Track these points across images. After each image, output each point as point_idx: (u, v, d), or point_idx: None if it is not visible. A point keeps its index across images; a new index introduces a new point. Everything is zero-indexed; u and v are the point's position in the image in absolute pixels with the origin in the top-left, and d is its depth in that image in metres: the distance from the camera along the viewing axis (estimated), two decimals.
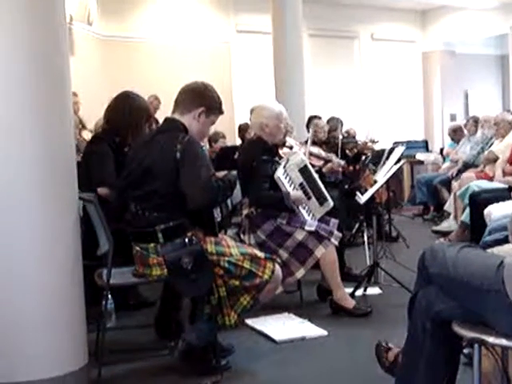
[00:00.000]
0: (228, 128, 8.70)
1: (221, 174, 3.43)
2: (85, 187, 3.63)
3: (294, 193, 4.20)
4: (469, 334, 2.17)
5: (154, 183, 3.18)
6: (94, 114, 6.08)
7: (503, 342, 2.11)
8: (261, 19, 10.09)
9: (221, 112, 3.45)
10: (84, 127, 6.77)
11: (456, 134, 9.21)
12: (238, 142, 8.39)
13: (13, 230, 2.90)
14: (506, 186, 5.85)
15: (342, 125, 7.60)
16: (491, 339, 2.11)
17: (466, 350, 2.50)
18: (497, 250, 2.62)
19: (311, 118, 6.94)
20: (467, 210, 6.07)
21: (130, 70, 9.36)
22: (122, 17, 9.59)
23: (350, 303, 4.20)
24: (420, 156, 10.69)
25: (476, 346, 2.17)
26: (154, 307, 4.07)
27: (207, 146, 7.68)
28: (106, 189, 3.73)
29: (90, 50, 8.87)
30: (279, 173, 4.16)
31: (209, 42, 10.33)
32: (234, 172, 3.58)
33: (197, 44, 10.16)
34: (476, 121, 8.55)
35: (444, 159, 9.73)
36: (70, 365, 3.03)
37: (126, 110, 3.96)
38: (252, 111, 4.45)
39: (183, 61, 9.74)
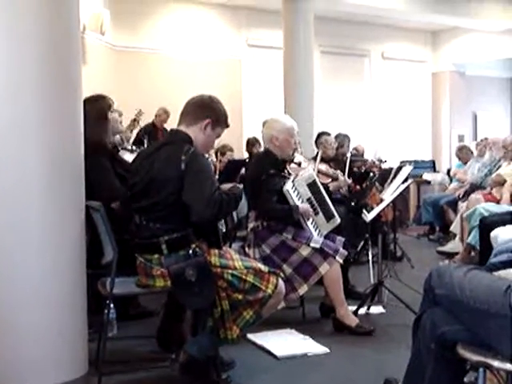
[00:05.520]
0: (236, 142, 8.71)
1: (227, 186, 3.42)
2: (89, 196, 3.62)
3: (303, 205, 4.20)
4: (474, 357, 2.15)
5: (158, 194, 3.17)
6: None
7: (508, 366, 2.09)
8: (272, 34, 10.15)
9: (227, 125, 3.44)
10: None
11: (461, 153, 9.21)
12: (246, 155, 8.40)
13: (18, 237, 2.90)
14: None
15: (349, 141, 7.59)
16: (496, 363, 2.09)
17: (466, 379, 2.47)
18: (504, 273, 2.60)
19: (320, 135, 6.93)
20: (473, 232, 6.04)
21: (141, 80, 9.41)
22: (135, 28, 9.65)
23: (353, 321, 4.17)
24: (427, 176, 10.68)
25: (481, 369, 2.15)
26: (153, 318, 4.06)
27: (214, 159, 7.69)
28: (118, 203, 3.68)
29: (102, 59, 8.92)
30: (288, 186, 4.16)
31: (220, 55, 10.37)
32: (240, 185, 3.56)
33: (208, 57, 10.20)
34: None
35: (451, 180, 9.71)
36: (69, 373, 3.03)
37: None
38: (264, 123, 4.46)
39: (194, 73, 9.78)
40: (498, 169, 7.32)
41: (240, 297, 3.20)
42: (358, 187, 6.59)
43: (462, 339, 2.23)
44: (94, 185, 3.68)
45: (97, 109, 3.91)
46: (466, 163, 8.97)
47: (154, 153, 3.31)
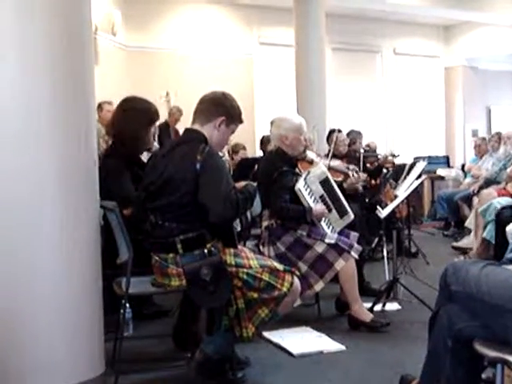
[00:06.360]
0: (249, 140, 8.71)
1: (240, 184, 3.41)
2: (105, 195, 3.62)
3: (316, 208, 4.17)
4: (491, 353, 2.13)
5: (173, 194, 3.16)
6: None
7: None
8: (284, 32, 10.13)
9: (241, 121, 3.42)
10: None
11: (482, 143, 9.12)
12: (260, 153, 8.40)
13: (34, 239, 2.92)
14: None
15: (361, 138, 7.57)
16: None
17: (484, 375, 2.46)
18: None
19: (332, 132, 6.92)
20: (489, 227, 6.00)
21: (153, 80, 9.42)
22: (146, 28, 9.68)
23: (368, 316, 4.16)
24: (441, 171, 10.65)
25: (499, 365, 2.14)
26: (167, 317, 4.07)
27: (227, 157, 7.70)
28: (130, 210, 3.68)
29: (114, 60, 8.95)
30: (300, 185, 4.14)
31: (232, 53, 10.37)
32: (254, 183, 3.55)
33: (220, 55, 10.21)
34: (500, 137, 8.49)
35: (465, 175, 9.67)
36: (87, 373, 3.04)
37: (122, 120, 3.90)
38: (272, 123, 4.45)
39: (206, 72, 9.78)
40: None
41: (255, 295, 3.20)
42: (373, 182, 6.57)
43: (478, 335, 2.22)
44: (109, 189, 3.68)
45: (151, 115, 3.99)
46: (482, 157, 8.92)
47: (170, 152, 3.30)
